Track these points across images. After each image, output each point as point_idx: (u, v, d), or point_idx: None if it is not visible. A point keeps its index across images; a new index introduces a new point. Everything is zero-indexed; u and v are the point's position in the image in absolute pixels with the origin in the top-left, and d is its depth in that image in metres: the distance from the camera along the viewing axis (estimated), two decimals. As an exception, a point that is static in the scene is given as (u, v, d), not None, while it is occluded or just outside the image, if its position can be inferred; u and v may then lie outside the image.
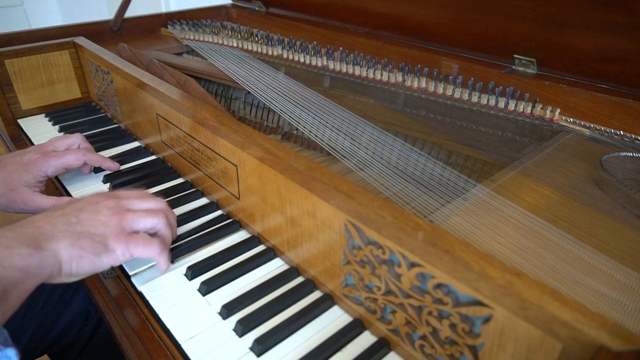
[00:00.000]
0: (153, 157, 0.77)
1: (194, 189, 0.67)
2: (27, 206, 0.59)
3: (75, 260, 0.42)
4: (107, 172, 0.72)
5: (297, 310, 0.46)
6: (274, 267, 0.53)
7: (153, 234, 0.51)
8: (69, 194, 0.68)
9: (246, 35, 0.97)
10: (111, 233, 0.44)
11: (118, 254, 0.45)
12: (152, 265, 0.52)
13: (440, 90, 0.69)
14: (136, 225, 0.47)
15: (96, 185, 0.70)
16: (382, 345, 0.42)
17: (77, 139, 0.69)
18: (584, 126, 0.62)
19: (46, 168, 0.63)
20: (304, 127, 0.59)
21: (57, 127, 0.87)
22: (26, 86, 0.90)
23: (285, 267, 0.53)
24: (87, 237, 0.43)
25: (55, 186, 0.72)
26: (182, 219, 0.60)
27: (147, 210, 0.50)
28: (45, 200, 0.60)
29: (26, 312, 0.65)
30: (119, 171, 0.72)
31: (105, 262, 0.44)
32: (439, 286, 0.35)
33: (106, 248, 0.44)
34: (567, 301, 0.29)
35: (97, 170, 0.73)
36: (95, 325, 0.73)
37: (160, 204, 0.52)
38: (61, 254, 0.41)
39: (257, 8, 1.21)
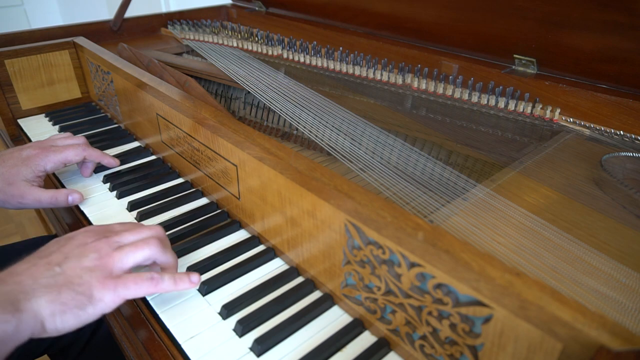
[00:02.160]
0: (153, 157, 0.77)
1: (194, 189, 0.67)
2: (25, 199, 0.59)
3: (58, 316, 0.39)
4: (107, 172, 0.72)
5: (297, 310, 0.46)
6: (274, 267, 0.53)
7: (153, 264, 0.49)
8: (60, 183, 0.69)
9: (246, 35, 0.97)
10: (97, 281, 0.41)
11: (107, 302, 0.41)
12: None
13: (440, 90, 0.69)
14: (125, 264, 0.44)
15: (96, 185, 0.70)
16: (382, 345, 0.42)
17: (78, 139, 0.69)
18: (584, 126, 0.62)
19: (45, 163, 0.62)
20: (304, 127, 0.59)
21: (57, 127, 0.87)
22: (26, 86, 0.90)
23: (285, 267, 0.53)
24: (69, 290, 0.40)
25: (55, 186, 0.72)
26: (182, 219, 0.60)
27: (136, 242, 0.46)
28: (43, 193, 0.60)
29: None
30: (119, 171, 0.72)
31: (92, 313, 0.41)
32: (439, 286, 0.35)
33: (91, 299, 0.40)
34: (567, 301, 0.29)
35: (97, 170, 0.73)
36: (95, 325, 0.73)
37: (153, 231, 0.48)
38: (42, 312, 0.38)
39: (257, 8, 1.21)
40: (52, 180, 0.73)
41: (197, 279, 0.47)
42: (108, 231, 0.47)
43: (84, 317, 0.40)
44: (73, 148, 0.65)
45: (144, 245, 0.45)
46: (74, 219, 0.66)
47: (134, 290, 0.42)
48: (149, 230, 0.48)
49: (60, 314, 0.39)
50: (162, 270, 0.48)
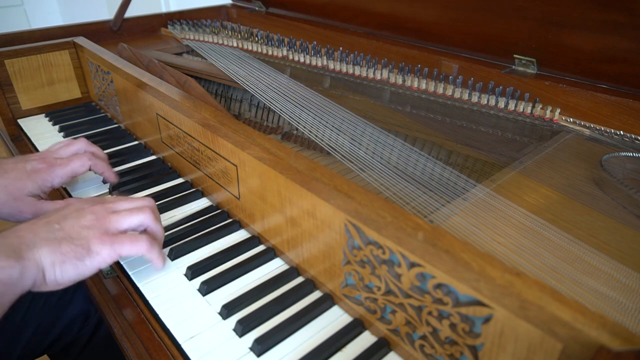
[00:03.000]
0: (153, 157, 0.77)
1: (194, 189, 0.67)
2: (32, 216, 0.57)
3: (58, 266, 0.42)
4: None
5: (297, 310, 0.46)
6: (274, 267, 0.53)
7: (143, 232, 0.50)
8: (69, 195, 0.68)
9: (246, 35, 0.97)
10: (94, 236, 0.44)
11: (104, 256, 0.44)
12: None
13: (440, 90, 0.69)
14: (121, 225, 0.47)
15: (95, 185, 0.70)
16: (382, 345, 0.42)
17: (81, 144, 0.66)
18: (584, 126, 0.62)
19: (52, 178, 0.60)
20: (304, 127, 0.59)
21: (57, 127, 0.87)
22: (26, 86, 0.90)
23: (285, 267, 0.53)
24: (68, 242, 0.43)
25: (60, 193, 0.72)
26: (182, 219, 0.60)
27: (131, 209, 0.49)
28: (53, 206, 0.57)
29: (26, 312, 0.65)
30: (118, 171, 0.72)
31: (90, 266, 0.43)
32: (439, 286, 0.35)
33: (89, 252, 0.43)
34: (567, 301, 0.29)
35: None
36: (95, 325, 0.73)
37: (146, 201, 0.52)
38: (43, 261, 0.41)
39: (257, 8, 1.21)
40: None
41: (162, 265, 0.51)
42: (102, 200, 0.50)
43: (82, 268, 0.43)
44: (78, 159, 0.63)
45: (139, 212, 0.49)
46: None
47: (128, 247, 0.45)
48: (142, 200, 0.52)
49: (60, 264, 0.41)
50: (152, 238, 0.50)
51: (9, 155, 0.89)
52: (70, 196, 0.69)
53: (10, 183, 0.57)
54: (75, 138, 0.82)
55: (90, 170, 0.65)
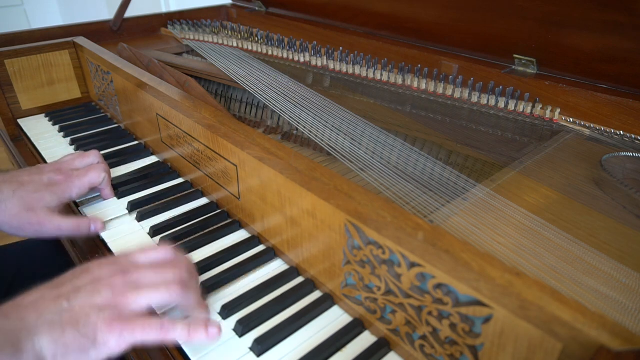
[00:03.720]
0: (153, 157, 0.77)
1: (194, 189, 0.67)
2: (43, 227, 0.55)
3: (60, 358, 0.37)
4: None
5: (297, 310, 0.46)
6: (274, 267, 0.53)
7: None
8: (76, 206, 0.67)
9: (246, 35, 0.97)
10: (104, 322, 0.38)
11: (111, 347, 0.38)
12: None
13: (440, 90, 0.69)
14: (140, 306, 0.40)
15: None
16: (382, 345, 0.42)
17: (95, 156, 0.65)
18: (584, 126, 0.62)
19: (71, 190, 0.59)
20: (304, 127, 0.59)
21: (57, 127, 0.87)
22: (26, 86, 0.90)
23: (285, 267, 0.53)
24: (73, 331, 0.37)
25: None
26: (182, 219, 0.60)
27: (156, 284, 0.41)
28: (64, 221, 0.56)
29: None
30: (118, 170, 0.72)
31: (95, 358, 0.38)
32: (439, 286, 0.35)
33: (95, 343, 0.38)
34: (567, 301, 0.29)
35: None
36: None
37: (178, 272, 0.43)
38: (44, 352, 0.36)
39: (257, 8, 1.21)
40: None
41: (215, 331, 0.42)
42: (128, 264, 0.43)
43: None
44: (95, 170, 0.62)
45: (164, 290, 0.41)
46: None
47: (140, 336, 0.39)
48: (173, 269, 0.43)
49: (62, 356, 0.37)
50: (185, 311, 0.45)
51: (9, 156, 0.89)
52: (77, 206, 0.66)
53: (28, 195, 0.55)
54: (73, 139, 0.82)
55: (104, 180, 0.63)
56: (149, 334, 0.39)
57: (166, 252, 0.45)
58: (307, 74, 0.81)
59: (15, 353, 0.35)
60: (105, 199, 0.66)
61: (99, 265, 0.42)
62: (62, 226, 0.56)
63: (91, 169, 0.62)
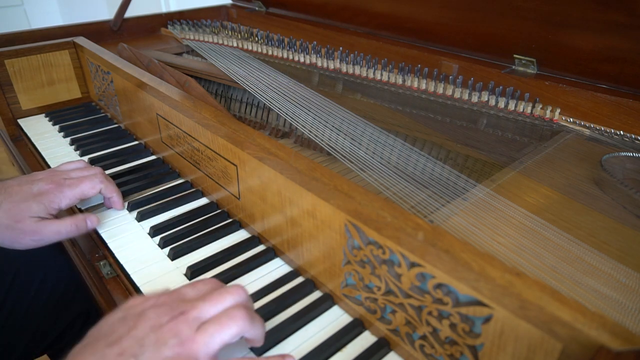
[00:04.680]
0: (153, 157, 0.77)
1: (194, 189, 0.67)
2: (40, 235, 0.53)
3: None
4: (106, 172, 0.72)
5: (297, 310, 0.46)
6: (274, 267, 0.53)
7: None
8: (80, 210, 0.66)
9: (246, 35, 0.97)
10: None
11: None
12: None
13: (440, 90, 0.69)
14: (212, 348, 0.36)
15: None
16: (382, 345, 0.42)
17: (95, 170, 0.62)
18: (584, 126, 0.62)
19: (60, 199, 0.56)
20: (304, 127, 0.59)
21: (57, 127, 0.87)
22: (26, 86, 0.90)
23: (285, 267, 0.53)
24: None
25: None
26: (182, 219, 0.60)
27: (220, 319, 0.37)
28: (61, 224, 0.54)
29: (26, 312, 0.65)
30: (118, 171, 0.72)
31: None
32: (439, 286, 0.35)
33: None
34: (567, 301, 0.29)
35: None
36: (95, 323, 0.73)
37: (235, 296, 0.39)
38: None
39: (257, 8, 1.21)
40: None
41: None
42: (182, 301, 0.38)
43: None
44: (89, 180, 0.59)
45: (230, 322, 0.37)
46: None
47: None
48: (230, 296, 0.39)
49: None
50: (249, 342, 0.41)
51: (9, 155, 0.89)
52: (80, 210, 0.64)
53: (15, 206, 0.53)
54: (73, 139, 0.82)
55: (101, 193, 0.61)
56: None
57: (212, 282, 0.42)
58: (307, 74, 0.81)
59: None
60: (111, 208, 0.64)
61: (151, 308, 0.37)
62: (60, 230, 0.54)
63: (85, 179, 0.59)
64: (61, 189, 0.57)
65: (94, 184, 0.59)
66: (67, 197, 0.57)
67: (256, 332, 0.39)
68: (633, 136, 0.58)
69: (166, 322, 0.36)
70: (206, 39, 0.94)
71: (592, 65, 0.62)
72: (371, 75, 0.75)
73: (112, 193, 0.62)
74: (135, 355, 0.33)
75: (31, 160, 0.82)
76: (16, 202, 0.53)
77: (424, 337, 0.38)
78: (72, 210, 0.65)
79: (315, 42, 0.85)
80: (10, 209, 0.53)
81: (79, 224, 0.56)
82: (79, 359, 0.33)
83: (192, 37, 0.96)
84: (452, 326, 0.35)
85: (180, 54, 0.99)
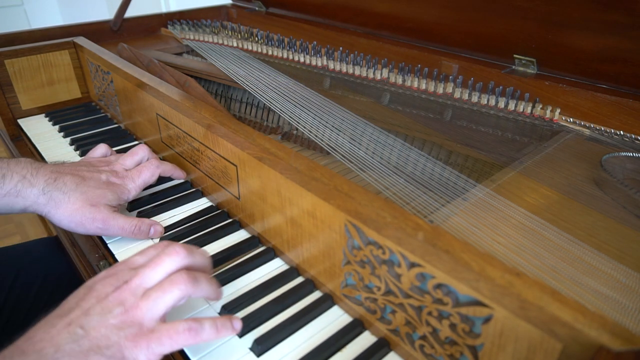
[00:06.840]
0: (153, 157, 0.77)
1: (194, 189, 0.67)
2: (106, 225, 0.53)
3: None
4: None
5: (297, 310, 0.46)
6: (274, 267, 0.53)
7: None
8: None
9: (246, 35, 0.97)
10: (127, 339, 0.36)
11: None
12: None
13: (440, 90, 0.69)
14: (157, 313, 0.38)
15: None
16: (382, 345, 0.42)
17: (143, 152, 0.63)
18: (584, 126, 0.62)
19: (129, 192, 0.58)
20: (304, 127, 0.59)
21: (57, 127, 0.87)
22: (26, 86, 0.90)
23: (285, 267, 0.53)
24: (97, 356, 0.34)
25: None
26: (182, 219, 0.60)
27: (162, 284, 0.39)
28: (127, 223, 0.55)
29: (27, 312, 0.65)
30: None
31: None
32: (439, 286, 0.35)
33: None
34: (567, 301, 0.29)
35: None
36: None
37: (176, 259, 0.41)
38: None
39: (257, 8, 1.21)
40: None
41: (240, 325, 0.42)
42: (129, 270, 0.40)
43: None
44: (148, 169, 0.61)
45: (172, 287, 0.39)
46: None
47: (169, 345, 0.37)
48: (169, 257, 0.41)
49: None
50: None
51: (9, 156, 0.89)
52: None
53: (91, 190, 0.54)
54: (73, 139, 0.82)
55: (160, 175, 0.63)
56: (178, 340, 0.37)
57: (160, 245, 0.43)
58: (307, 74, 0.81)
59: None
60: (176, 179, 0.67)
61: (99, 281, 0.39)
62: (125, 227, 0.54)
63: (143, 169, 0.61)
64: (125, 182, 0.58)
65: (153, 172, 0.61)
66: (133, 189, 0.59)
67: (203, 292, 0.41)
68: (633, 136, 0.58)
69: (111, 292, 0.38)
70: (206, 39, 0.94)
71: (592, 65, 0.62)
72: (371, 75, 0.75)
73: (171, 171, 0.64)
74: (82, 325, 0.36)
75: (31, 160, 0.81)
76: (92, 187, 0.54)
77: (423, 337, 0.38)
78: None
79: (315, 42, 0.85)
80: (87, 192, 0.54)
81: (143, 227, 0.56)
82: (34, 332, 0.36)
83: (192, 37, 0.96)
84: (452, 326, 0.35)
85: (180, 54, 0.99)
